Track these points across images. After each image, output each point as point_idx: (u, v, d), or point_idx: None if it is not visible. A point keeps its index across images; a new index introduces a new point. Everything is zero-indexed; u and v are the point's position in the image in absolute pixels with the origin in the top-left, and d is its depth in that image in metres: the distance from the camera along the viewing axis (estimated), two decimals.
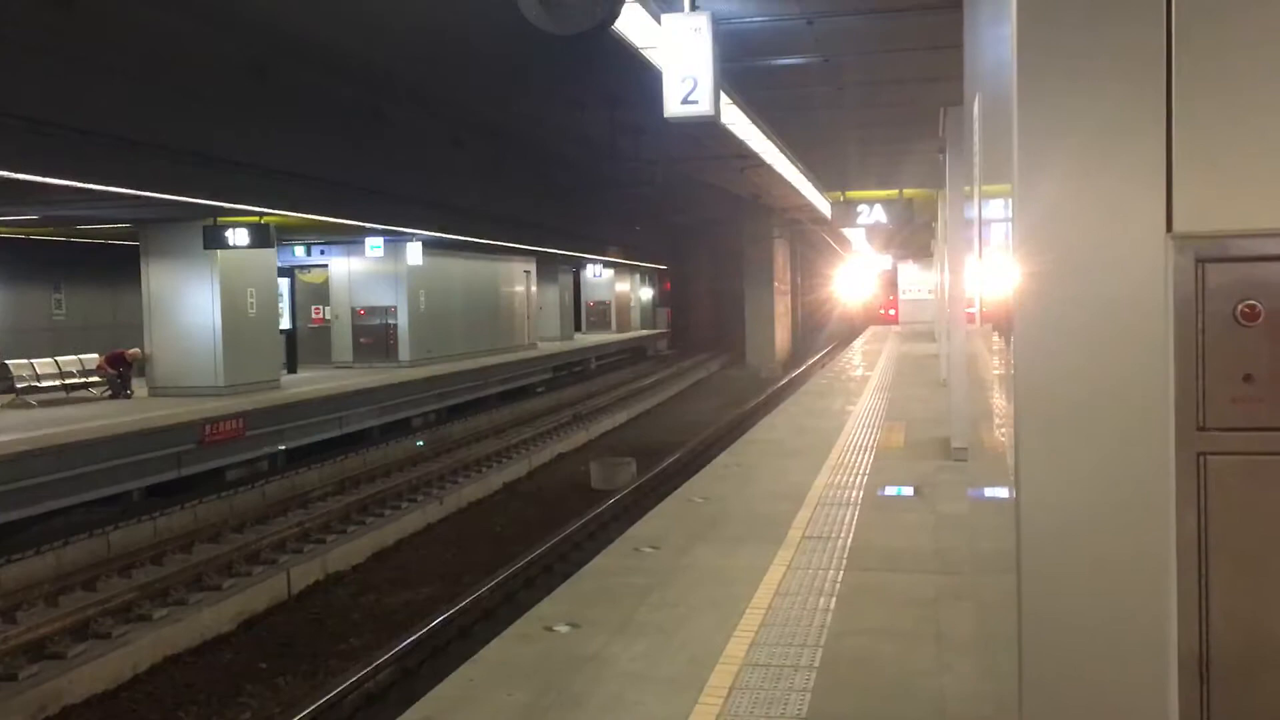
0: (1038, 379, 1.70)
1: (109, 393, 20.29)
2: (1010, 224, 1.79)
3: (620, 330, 51.28)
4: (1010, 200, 1.79)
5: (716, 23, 7.39)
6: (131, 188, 13.70)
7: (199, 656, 10.74)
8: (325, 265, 28.39)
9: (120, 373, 20.34)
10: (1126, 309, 1.65)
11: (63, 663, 9.75)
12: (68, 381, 20.26)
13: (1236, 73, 1.64)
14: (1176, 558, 1.65)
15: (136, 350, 20.67)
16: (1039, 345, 1.70)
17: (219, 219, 19.31)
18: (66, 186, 13.14)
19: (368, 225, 21.38)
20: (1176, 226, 1.64)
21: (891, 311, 55.68)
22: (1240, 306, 1.62)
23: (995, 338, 2.36)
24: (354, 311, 28.20)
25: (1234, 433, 1.64)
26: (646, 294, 58.96)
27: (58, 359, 20.66)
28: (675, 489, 11.45)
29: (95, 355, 20.81)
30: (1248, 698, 1.66)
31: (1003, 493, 1.98)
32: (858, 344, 37.12)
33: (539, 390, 32.15)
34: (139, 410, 17.72)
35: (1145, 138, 1.66)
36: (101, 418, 16.58)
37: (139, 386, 20.71)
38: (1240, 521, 1.65)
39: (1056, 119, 1.70)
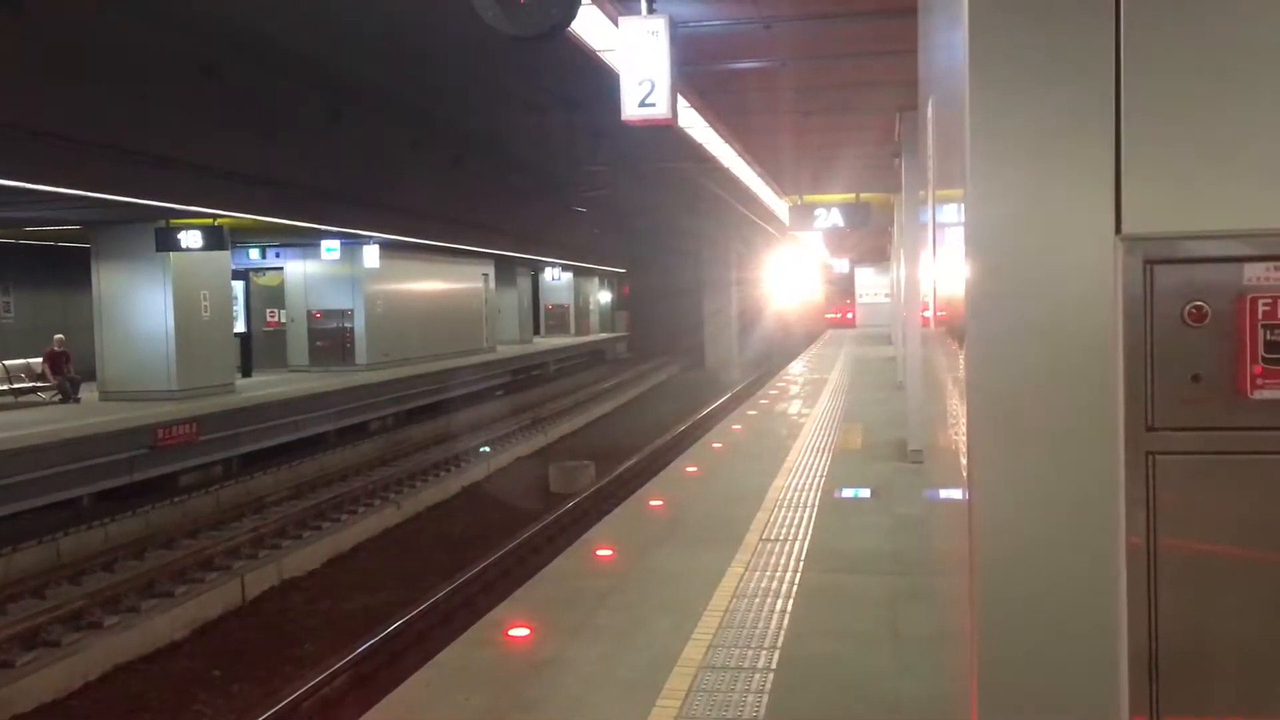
0: (989, 381, 1.71)
1: (58, 396, 19.99)
2: (962, 227, 1.79)
3: (579, 334, 51.25)
4: (962, 204, 1.79)
5: (674, 26, 7.40)
6: (81, 189, 13.49)
7: (151, 664, 10.60)
8: (281, 268, 28.13)
9: (68, 375, 20.06)
10: (1076, 310, 1.66)
11: (11, 671, 9.59)
12: (16, 385, 19.94)
13: (1185, 77, 1.66)
14: (1126, 557, 1.67)
15: (60, 335, 20.47)
16: (990, 347, 1.71)
17: (171, 221, 19.09)
18: (15, 188, 12.92)
19: (324, 228, 21.21)
20: (1126, 228, 1.66)
21: (849, 315, 56.03)
22: (1188, 308, 1.64)
23: (949, 340, 2.37)
24: (310, 314, 27.96)
25: (1183, 432, 1.66)
26: (605, 297, 58.96)
27: (5, 363, 20.34)
28: (634, 492, 11.45)
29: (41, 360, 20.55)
30: (1197, 694, 1.67)
31: (956, 494, 1.99)
32: (813, 350, 37.29)
33: (498, 394, 32.05)
34: (89, 414, 17.45)
35: (1095, 141, 1.67)
36: (51, 422, 16.32)
37: (90, 390, 20.42)
38: (1189, 521, 1.66)
39: (1007, 123, 1.71)
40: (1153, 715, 1.67)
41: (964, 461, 1.78)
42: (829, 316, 58.16)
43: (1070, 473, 1.68)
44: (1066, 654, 1.69)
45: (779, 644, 6.08)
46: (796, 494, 10.42)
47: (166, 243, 19.26)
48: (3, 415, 17.74)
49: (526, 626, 6.51)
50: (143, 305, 20.18)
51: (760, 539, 8.58)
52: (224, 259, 21.74)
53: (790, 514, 9.51)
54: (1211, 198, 1.65)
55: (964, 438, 1.79)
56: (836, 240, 36.18)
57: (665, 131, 11.90)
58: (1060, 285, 1.67)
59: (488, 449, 21.42)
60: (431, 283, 31.70)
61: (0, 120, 11.27)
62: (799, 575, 7.50)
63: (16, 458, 14.35)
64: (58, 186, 13.24)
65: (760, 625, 6.41)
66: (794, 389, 22.12)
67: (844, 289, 56.86)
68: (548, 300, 51.20)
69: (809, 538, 8.60)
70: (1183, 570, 1.66)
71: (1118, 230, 1.66)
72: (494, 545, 13.93)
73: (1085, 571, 1.68)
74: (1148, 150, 1.66)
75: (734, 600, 6.93)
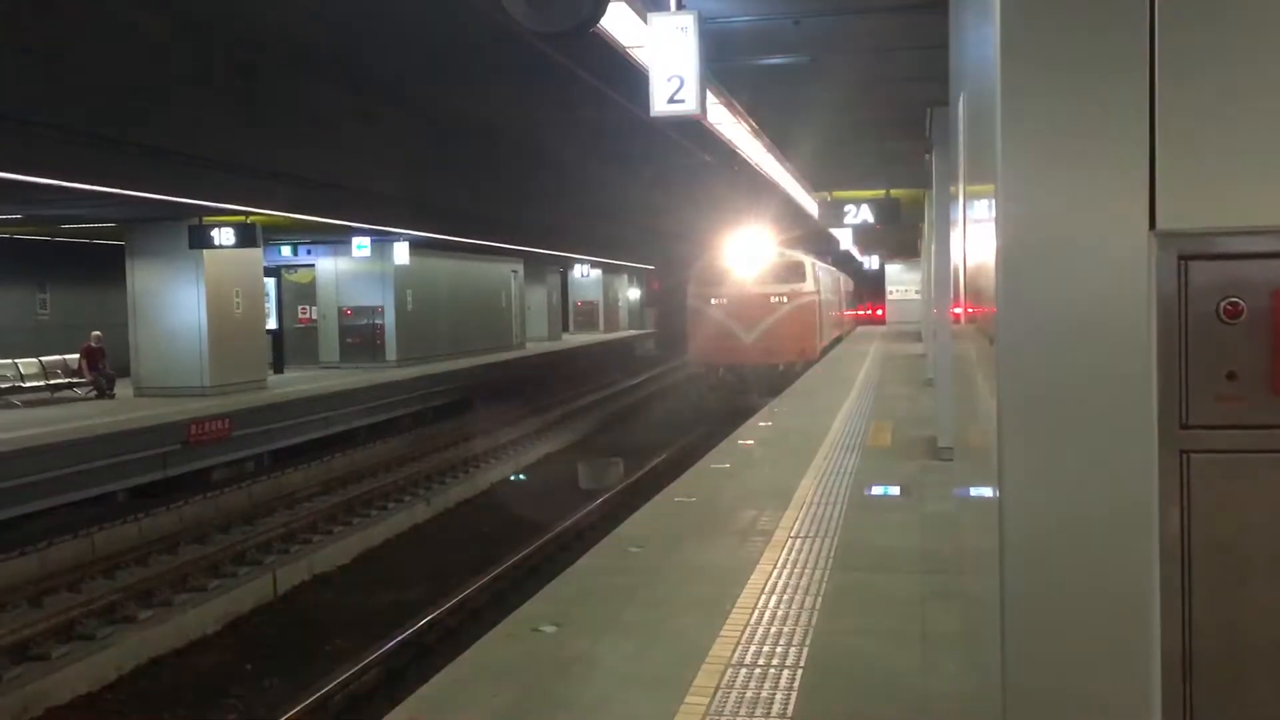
0: (1020, 377, 1.70)
1: (93, 393, 20.22)
2: (994, 223, 1.78)
3: (608, 330, 51.31)
4: (993, 200, 1.78)
5: (703, 22, 7.39)
6: (116, 187, 13.63)
7: (184, 658, 10.70)
8: (312, 265, 28.33)
9: (103, 371, 20.29)
10: (1109, 307, 1.65)
11: (46, 664, 9.71)
12: (52, 381, 20.18)
13: (1219, 71, 1.64)
14: (1159, 556, 1.65)
15: (98, 333, 20.75)
16: (1022, 344, 1.70)
17: (205, 218, 19.26)
18: (51, 185, 13.07)
19: (355, 225, 21.33)
20: (1160, 224, 1.64)
21: (879, 311, 55.64)
22: (1223, 304, 1.62)
23: (980, 337, 2.36)
24: (341, 311, 28.15)
25: (1217, 430, 1.64)
26: (634, 294, 58.99)
27: (42, 359, 20.58)
28: (662, 489, 11.44)
29: (78, 355, 20.81)
30: (1231, 696, 1.65)
31: (987, 492, 1.97)
32: (841, 347, 37.14)
33: (527, 390, 32.13)
34: (124, 410, 17.64)
35: (1128, 136, 1.65)
36: (86, 418, 16.50)
37: (124, 386, 20.64)
38: (1223, 519, 1.65)
39: (1039, 118, 1.69)
40: (1186, 716, 1.65)
41: (994, 459, 1.77)
42: (859, 313, 55.71)
43: (1102, 471, 1.66)
44: (1097, 653, 1.67)
45: (808, 641, 6.06)
46: (826, 491, 10.38)
47: (199, 240, 19.45)
48: (40, 411, 17.95)
49: (555, 623, 6.52)
50: (176, 302, 20.39)
51: (789, 536, 8.56)
52: (256, 256, 21.92)
53: (819, 511, 9.48)
54: (1247, 193, 1.63)
55: (995, 435, 1.77)
56: (865, 236, 36.00)
57: (694, 128, 11.87)
58: (1093, 281, 1.66)
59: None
60: (461, 279, 31.82)
61: (35, 119, 11.39)
62: (828, 573, 7.47)
63: (54, 453, 14.52)
64: (93, 184, 13.40)
65: (789, 622, 6.39)
66: (823, 385, 22.05)
67: (873, 286, 55.98)
68: (577, 297, 51.29)
69: (838, 535, 8.57)
70: (1217, 569, 1.65)
71: (1152, 226, 1.64)
72: (523, 542, 13.96)
73: (1117, 570, 1.66)
74: (1182, 145, 1.64)
75: (763, 597, 6.92)
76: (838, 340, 36.35)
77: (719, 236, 27.45)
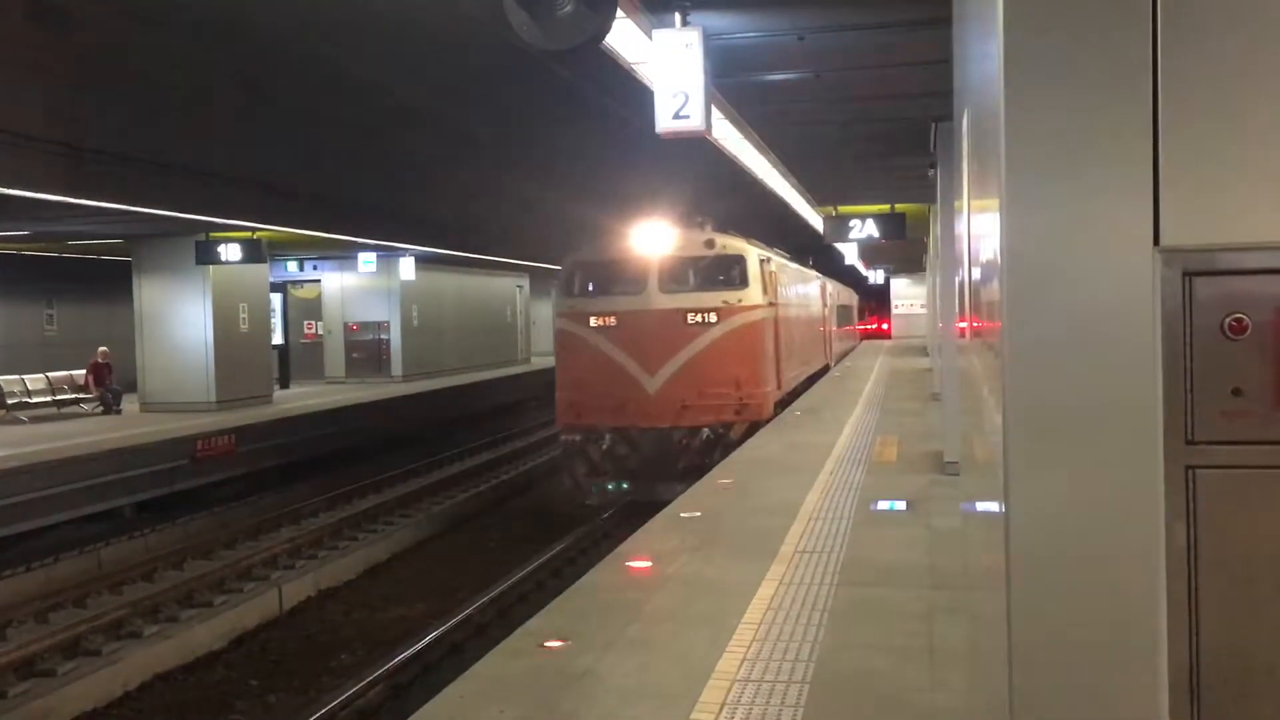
0: (1026, 393, 1.70)
1: (100, 408, 20.28)
2: (998, 238, 1.78)
3: None
4: (998, 215, 1.78)
5: (708, 38, 7.41)
6: (122, 203, 13.69)
7: (190, 674, 10.69)
8: (318, 280, 28.42)
9: (110, 387, 20.36)
10: (1114, 323, 1.65)
11: (52, 680, 9.71)
12: (59, 397, 20.24)
13: (1223, 87, 1.64)
14: (1166, 572, 1.64)
15: (104, 348, 20.83)
16: (1027, 359, 1.70)
17: (211, 234, 19.33)
18: (58, 202, 13.13)
19: (360, 240, 21.40)
20: (1164, 240, 1.64)
21: (884, 325, 55.67)
22: (1228, 320, 1.62)
23: (986, 352, 2.36)
24: (346, 326, 28.25)
25: (1223, 446, 1.63)
26: None
27: (49, 375, 20.65)
28: (668, 504, 11.42)
29: (85, 371, 20.88)
30: (1239, 713, 1.65)
31: (993, 507, 1.97)
32: (845, 362, 37.12)
33: (533, 405, 32.14)
34: (131, 426, 17.67)
35: (1132, 151, 1.66)
36: (93, 434, 16.53)
37: (130, 402, 20.69)
38: (1230, 535, 1.64)
39: (1043, 133, 1.70)
40: None
41: (1001, 474, 1.77)
42: (859, 328, 55.34)
43: (1108, 486, 1.66)
44: (1104, 671, 1.66)
45: (814, 657, 6.04)
46: (831, 506, 10.36)
47: (206, 255, 19.53)
48: (47, 427, 18.00)
49: (561, 638, 6.50)
50: (183, 318, 20.47)
51: (795, 551, 8.53)
52: (262, 271, 22.01)
53: (825, 526, 9.46)
54: (1251, 209, 1.63)
55: (1000, 450, 1.77)
56: (871, 251, 36.01)
57: (700, 142, 11.90)
58: (1098, 297, 1.65)
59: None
60: (467, 294, 31.89)
61: (42, 135, 11.45)
62: (834, 588, 7.45)
63: (61, 469, 14.54)
64: (99, 201, 13.46)
65: (796, 638, 6.38)
66: (830, 400, 22.02)
67: (879, 299, 55.94)
68: None
69: (844, 550, 8.55)
70: (1224, 586, 1.64)
71: (1156, 242, 1.64)
72: (528, 557, 13.95)
73: (1123, 587, 1.65)
74: (1186, 161, 1.64)
75: (769, 613, 6.90)
76: (822, 373, 27.12)
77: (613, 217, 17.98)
